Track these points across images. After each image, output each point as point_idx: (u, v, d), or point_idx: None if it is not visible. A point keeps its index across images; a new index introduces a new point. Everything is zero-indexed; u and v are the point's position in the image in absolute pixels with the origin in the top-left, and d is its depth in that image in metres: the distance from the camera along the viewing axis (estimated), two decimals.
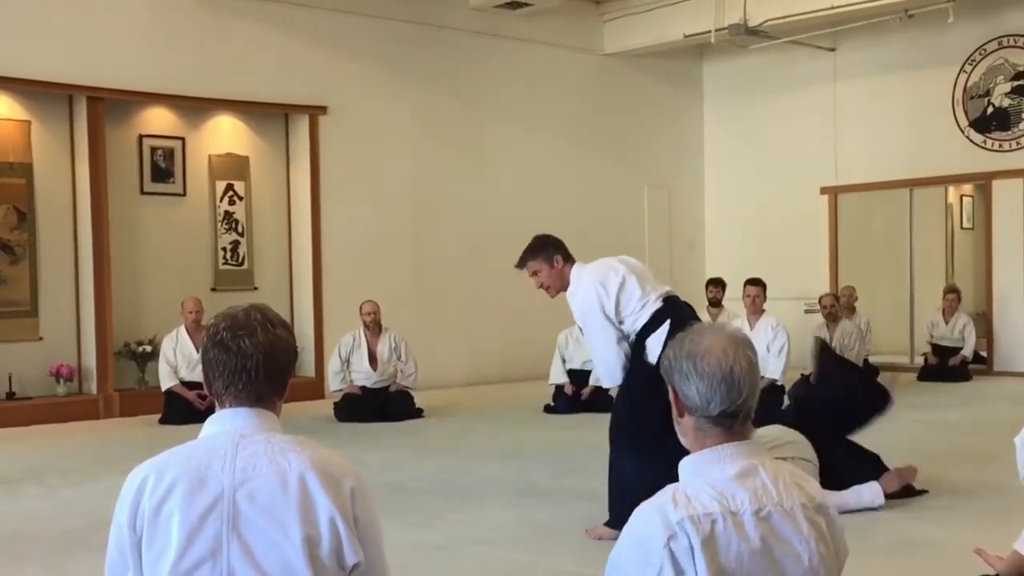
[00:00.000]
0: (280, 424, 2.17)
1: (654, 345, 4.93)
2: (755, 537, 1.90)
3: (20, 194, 9.78)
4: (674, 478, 2.01)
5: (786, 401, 9.24)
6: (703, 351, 1.98)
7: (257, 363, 2.11)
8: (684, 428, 2.04)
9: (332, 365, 9.74)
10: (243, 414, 2.12)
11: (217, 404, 2.16)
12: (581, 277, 5.11)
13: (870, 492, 5.42)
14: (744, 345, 2.00)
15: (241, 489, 2.02)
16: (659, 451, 4.47)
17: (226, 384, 2.12)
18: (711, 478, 1.95)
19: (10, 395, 9.52)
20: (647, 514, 1.91)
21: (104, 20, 10.04)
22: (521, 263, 5.28)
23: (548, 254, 5.17)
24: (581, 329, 5.39)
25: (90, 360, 10.01)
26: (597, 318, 5.01)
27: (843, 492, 5.28)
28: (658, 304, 5.01)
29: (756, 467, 1.97)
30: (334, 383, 9.70)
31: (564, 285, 5.18)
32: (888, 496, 5.50)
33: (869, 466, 5.63)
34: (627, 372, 5.04)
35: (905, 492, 5.69)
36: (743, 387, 1.97)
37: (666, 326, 4.94)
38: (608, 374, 5.11)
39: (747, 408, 1.99)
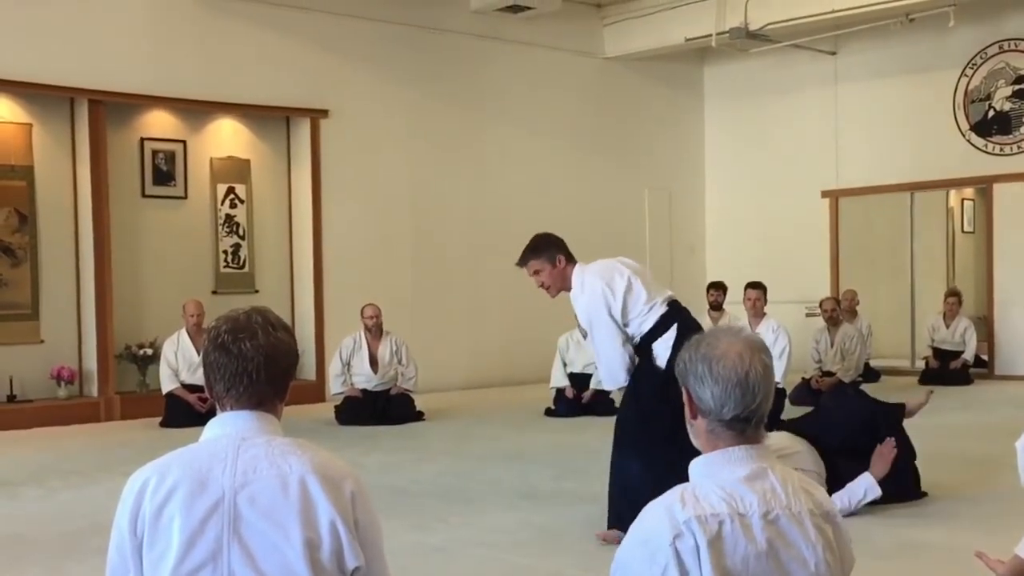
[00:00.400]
0: (281, 427, 2.17)
1: (661, 349, 4.92)
2: (762, 540, 1.90)
3: (21, 197, 9.78)
4: (678, 481, 2.01)
5: (787, 404, 9.25)
6: (719, 355, 1.98)
7: (258, 366, 2.11)
8: (697, 430, 2.04)
9: (333, 368, 9.74)
10: (244, 417, 2.12)
11: (218, 407, 2.16)
12: (585, 278, 5.04)
13: (863, 485, 5.38)
14: (760, 350, 2.00)
15: (242, 492, 2.02)
16: (664, 454, 4.48)
17: (227, 387, 2.12)
18: (720, 479, 1.95)
19: (11, 398, 9.52)
20: (655, 512, 1.91)
21: (105, 23, 10.05)
22: (522, 261, 5.18)
23: (550, 253, 5.10)
24: (583, 332, 5.35)
25: (91, 363, 10.01)
26: (603, 320, 4.96)
27: (835, 496, 5.24)
28: (664, 308, 5.00)
29: (766, 470, 1.98)
30: (335, 386, 9.70)
31: (565, 285, 5.11)
32: (891, 499, 5.49)
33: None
34: (635, 375, 5.01)
35: (906, 495, 5.68)
36: (757, 392, 1.97)
37: (673, 330, 4.94)
38: (611, 376, 5.06)
39: (761, 413, 1.99)
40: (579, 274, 5.08)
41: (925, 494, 5.78)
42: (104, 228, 9.99)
